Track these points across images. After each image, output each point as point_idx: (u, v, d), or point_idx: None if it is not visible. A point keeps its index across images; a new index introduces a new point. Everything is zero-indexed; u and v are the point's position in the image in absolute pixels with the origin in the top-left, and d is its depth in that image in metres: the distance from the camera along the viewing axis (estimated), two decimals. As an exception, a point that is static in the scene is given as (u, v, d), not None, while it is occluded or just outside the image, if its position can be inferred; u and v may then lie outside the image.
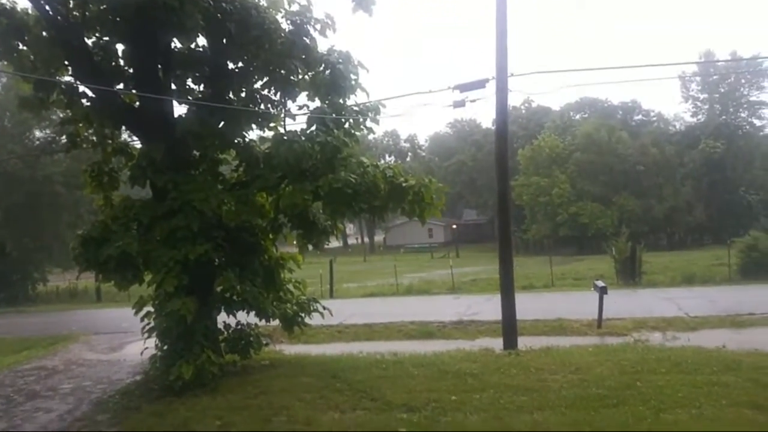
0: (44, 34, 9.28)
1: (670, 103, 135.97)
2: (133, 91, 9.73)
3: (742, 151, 58.71)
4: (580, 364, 9.14)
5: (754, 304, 14.17)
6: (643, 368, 8.67)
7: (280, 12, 9.56)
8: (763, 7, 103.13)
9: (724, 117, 61.72)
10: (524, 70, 10.99)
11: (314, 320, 10.99)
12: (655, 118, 71.06)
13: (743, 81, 61.17)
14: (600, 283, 13.41)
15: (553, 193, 58.95)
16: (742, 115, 62.64)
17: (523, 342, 11.25)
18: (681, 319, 13.38)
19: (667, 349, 10.35)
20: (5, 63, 10.22)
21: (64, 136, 11.43)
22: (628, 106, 71.15)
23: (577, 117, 72.10)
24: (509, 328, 11.41)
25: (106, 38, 9.68)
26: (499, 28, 11.40)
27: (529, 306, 12.99)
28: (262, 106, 10.20)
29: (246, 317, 10.40)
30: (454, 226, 69.59)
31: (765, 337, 11.05)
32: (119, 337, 14.97)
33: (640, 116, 71.57)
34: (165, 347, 9.36)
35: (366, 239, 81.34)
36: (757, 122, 62.64)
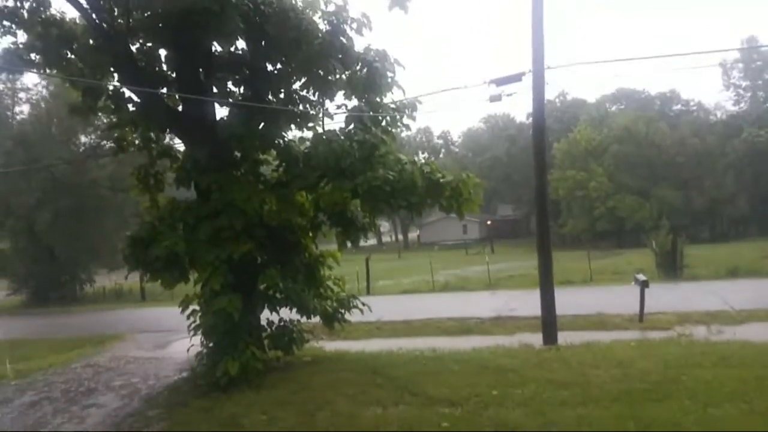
0: (91, 42, 9.64)
1: (711, 92, 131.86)
2: (177, 94, 10.02)
3: (787, 140, 56.60)
4: (623, 359, 9.05)
5: (805, 298, 13.75)
6: (688, 362, 8.54)
7: (317, 13, 9.70)
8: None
9: (767, 104, 59.61)
10: (559, 63, 10.89)
11: (353, 317, 11.12)
12: (695, 108, 69.07)
13: (788, 66, 58.96)
14: (641, 277, 13.20)
15: (590, 187, 57.96)
16: (787, 101, 60.41)
17: (563, 337, 11.17)
18: (726, 312, 13.07)
19: (712, 343, 10.15)
20: (55, 71, 10.63)
21: (110, 141, 11.80)
22: (666, 97, 69.32)
23: (614, 109, 70.69)
24: (549, 323, 11.35)
25: (150, 44, 10.01)
26: (535, 19, 11.30)
27: (567, 301, 12.85)
28: (301, 107, 10.38)
29: (288, 314, 10.61)
30: (489, 222, 69.03)
31: (816, 330, 10.75)
32: (164, 335, 15.35)
33: (679, 106, 69.62)
34: (211, 344, 9.61)
35: (400, 236, 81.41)
36: (803, 109, 60.29)
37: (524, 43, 11.38)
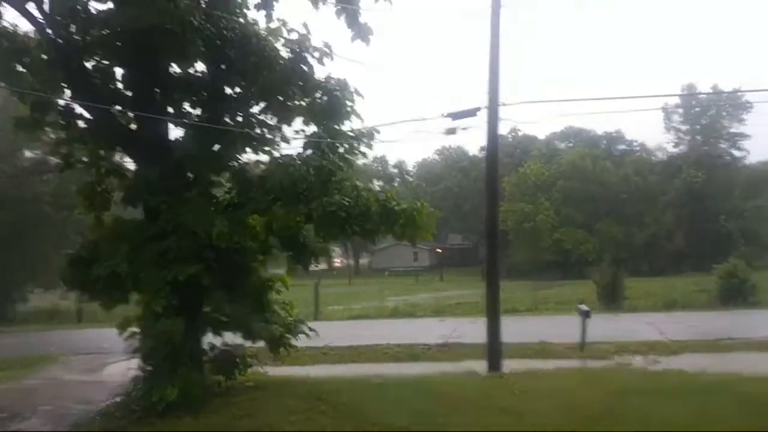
0: (44, 56, 9.45)
1: (653, 134, 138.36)
2: (131, 113, 9.89)
3: (722, 181, 59.80)
4: (564, 387, 9.30)
5: (733, 329, 14.54)
6: (626, 391, 8.85)
7: (280, 40, 9.83)
8: (743, 42, 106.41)
9: (705, 147, 63.02)
10: (512, 100, 11.38)
11: (300, 342, 11.03)
12: (638, 148, 72.33)
13: (724, 113, 62.61)
14: (583, 307, 13.63)
15: (538, 219, 59.59)
16: (723, 146, 63.96)
17: (508, 365, 11.38)
18: (662, 343, 13.62)
19: (649, 372, 10.58)
20: (2, 84, 10.35)
21: (56, 157, 11.46)
22: (612, 136, 72.42)
23: (562, 146, 73.25)
24: (494, 350, 11.56)
25: (106, 62, 9.87)
26: (492, 58, 11.76)
27: (513, 329, 13.12)
28: (258, 130, 10.39)
29: (233, 338, 10.44)
30: (439, 250, 69.74)
31: (744, 361, 11.31)
32: (100, 357, 14.77)
33: (623, 146, 72.80)
34: (149, 368, 9.36)
35: (351, 262, 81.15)
36: (737, 153, 63.95)
37: (482, 77, 11.80)
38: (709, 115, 63.04)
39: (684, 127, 65.17)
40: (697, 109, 62.62)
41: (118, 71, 10.04)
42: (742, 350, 12.50)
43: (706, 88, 61.01)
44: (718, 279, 22.25)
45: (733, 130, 63.22)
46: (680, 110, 63.79)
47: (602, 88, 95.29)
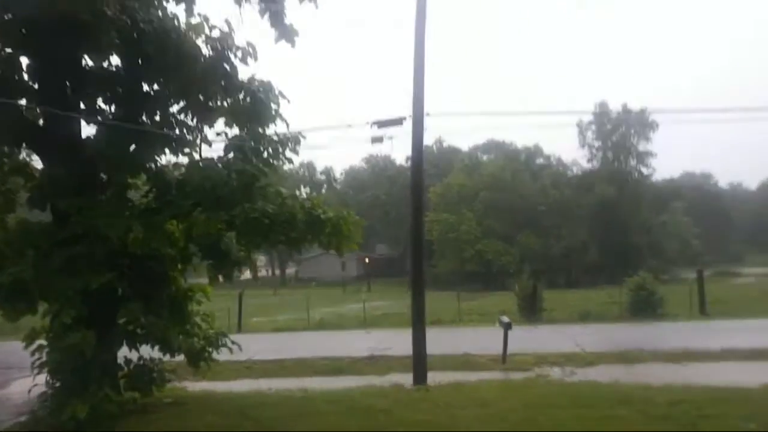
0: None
1: (569, 149, 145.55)
2: (37, 107, 9.14)
3: (631, 197, 63.59)
4: (487, 399, 9.40)
5: (643, 341, 15.29)
6: (545, 402, 9.04)
7: (201, 37, 9.40)
8: (650, 65, 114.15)
9: (616, 164, 66.80)
10: (437, 111, 11.58)
11: (222, 355, 10.62)
12: (555, 162, 75.77)
13: (633, 131, 66.64)
14: (505, 319, 13.90)
15: (461, 230, 61.03)
16: (632, 163, 68.06)
17: (433, 377, 11.42)
18: (578, 354, 14.09)
19: (566, 384, 10.90)
20: None
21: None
22: (530, 150, 75.46)
23: (485, 158, 75.56)
24: (419, 363, 11.55)
25: (9, 50, 9.08)
26: (417, 67, 11.80)
27: (437, 341, 13.22)
28: (177, 131, 9.90)
29: (150, 351, 9.89)
30: (367, 260, 69.85)
31: (653, 371, 11.88)
32: (4, 373, 13.67)
33: (541, 159, 76.06)
34: (58, 384, 8.77)
35: (277, 271, 79.82)
36: (645, 170, 68.28)
37: (408, 86, 11.82)
38: (619, 133, 66.92)
39: (597, 143, 68.87)
40: (608, 126, 66.35)
41: (24, 61, 9.27)
42: (651, 361, 13.11)
43: (617, 107, 65.00)
44: (628, 291, 23.44)
45: (641, 148, 67.39)
46: (593, 127, 67.33)
47: (523, 103, 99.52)
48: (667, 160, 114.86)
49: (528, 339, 15.94)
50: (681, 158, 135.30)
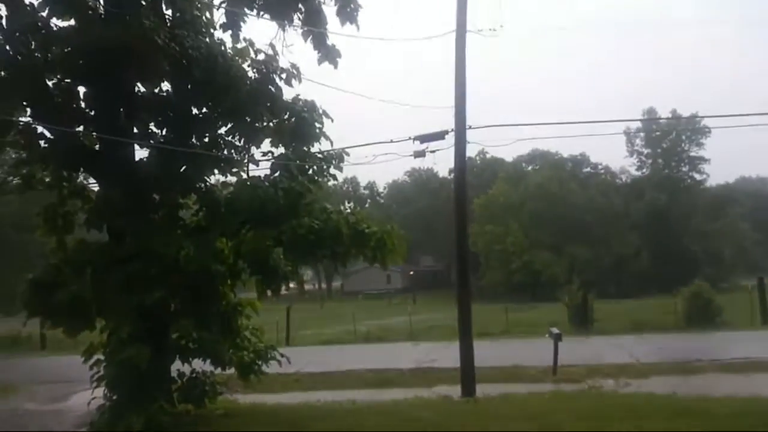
0: (2, 74, 9.15)
1: (617, 157, 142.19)
2: (94, 133, 9.62)
3: (684, 204, 61.68)
4: (537, 412, 9.23)
5: (701, 351, 14.66)
6: (599, 415, 8.82)
7: (247, 60, 9.73)
8: (703, 70, 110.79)
9: (666, 171, 64.93)
10: (480, 123, 11.61)
11: (271, 368, 10.77)
12: (602, 171, 74.05)
13: (684, 138, 64.74)
14: (555, 330, 13.64)
15: (507, 241, 60.23)
16: (684, 169, 66.05)
17: (481, 389, 11.28)
18: (632, 365, 13.69)
19: (620, 395, 10.58)
20: None
21: (17, 177, 11.06)
22: (577, 159, 73.94)
23: (529, 168, 74.45)
24: (467, 375, 11.45)
25: (68, 80, 9.61)
26: (458, 81, 11.88)
27: (486, 353, 13.07)
28: (226, 152, 10.23)
29: (201, 365, 10.14)
30: (411, 273, 69.69)
31: (712, 382, 11.39)
32: (64, 386, 14.15)
33: (588, 168, 74.43)
34: (115, 396, 9.02)
35: (323, 285, 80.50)
36: (697, 176, 66.17)
37: (450, 100, 11.90)
38: (669, 140, 65.10)
39: (646, 151, 67.17)
40: (657, 133, 64.61)
41: (82, 90, 9.79)
42: (710, 372, 12.62)
43: (665, 113, 63.21)
44: (683, 301, 22.62)
45: (693, 153, 65.36)
46: (641, 134, 65.72)
47: (569, 112, 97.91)
48: (722, 165, 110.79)
49: (579, 350, 15.57)
50: (737, 164, 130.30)
